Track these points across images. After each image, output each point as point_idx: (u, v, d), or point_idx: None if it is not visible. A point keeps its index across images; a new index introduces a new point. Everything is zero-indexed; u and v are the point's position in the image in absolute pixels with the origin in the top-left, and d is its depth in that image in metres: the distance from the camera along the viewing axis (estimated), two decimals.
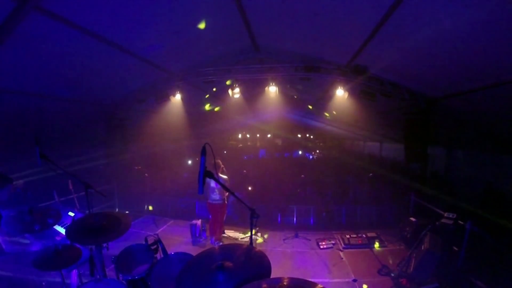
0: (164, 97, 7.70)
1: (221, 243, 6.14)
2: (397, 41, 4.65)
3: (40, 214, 3.07)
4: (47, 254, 2.77)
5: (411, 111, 6.83)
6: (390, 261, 5.53)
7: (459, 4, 3.33)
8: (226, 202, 6.46)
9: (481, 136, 6.70)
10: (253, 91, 8.64)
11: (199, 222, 6.71)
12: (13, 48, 3.95)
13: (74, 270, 3.23)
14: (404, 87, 6.60)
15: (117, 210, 8.48)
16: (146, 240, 3.61)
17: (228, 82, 7.59)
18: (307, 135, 22.58)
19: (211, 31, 5.35)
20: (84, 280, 3.14)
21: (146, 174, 10.09)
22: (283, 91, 8.21)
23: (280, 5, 4.55)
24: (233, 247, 2.24)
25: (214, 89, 8.25)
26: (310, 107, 11.42)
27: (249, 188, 8.64)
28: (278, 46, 6.63)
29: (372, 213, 7.88)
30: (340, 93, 7.05)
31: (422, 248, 4.89)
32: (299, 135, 21.94)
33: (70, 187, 5.93)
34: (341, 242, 6.47)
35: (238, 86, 7.64)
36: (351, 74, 6.65)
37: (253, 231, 2.55)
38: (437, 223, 5.25)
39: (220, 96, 9.45)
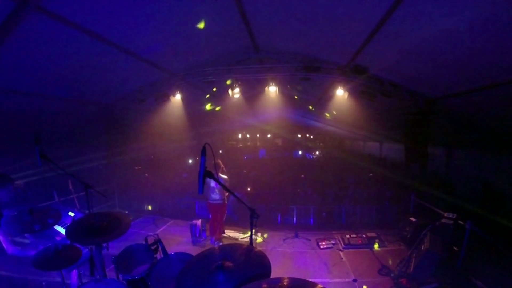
0: (164, 97, 7.70)
1: (221, 243, 6.14)
2: (397, 41, 4.65)
3: (40, 214, 3.07)
4: (47, 254, 2.77)
5: (411, 111, 6.83)
6: (390, 261, 5.53)
7: (459, 4, 3.34)
8: (226, 202, 6.46)
9: (481, 136, 6.69)
10: (253, 91, 8.65)
11: (199, 222, 6.71)
12: (13, 48, 3.95)
13: (74, 270, 3.22)
14: (404, 87, 6.60)
15: (117, 209, 8.48)
16: (146, 240, 3.61)
17: (228, 82, 7.59)
18: (307, 135, 22.58)
19: (211, 31, 5.35)
20: (84, 280, 3.13)
21: (146, 174, 10.09)
22: (283, 91, 8.21)
23: (280, 5, 4.55)
24: (233, 247, 2.24)
25: (214, 89, 8.26)
26: (310, 107, 11.42)
27: (248, 189, 8.63)
28: (278, 46, 6.64)
29: (372, 213, 7.88)
30: (340, 93, 7.05)
31: (422, 248, 4.89)
32: (299, 135, 21.94)
33: (70, 187, 5.93)
34: (341, 242, 6.47)
35: (238, 86, 7.64)
36: (351, 74, 6.65)
37: (254, 231, 2.55)
38: (437, 223, 5.25)
39: (220, 96, 9.45)
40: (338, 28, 4.85)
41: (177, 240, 6.67)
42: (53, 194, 6.06)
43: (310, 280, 1.61)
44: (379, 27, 4.28)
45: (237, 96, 7.84)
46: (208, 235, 6.68)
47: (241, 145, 22.03)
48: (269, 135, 22.74)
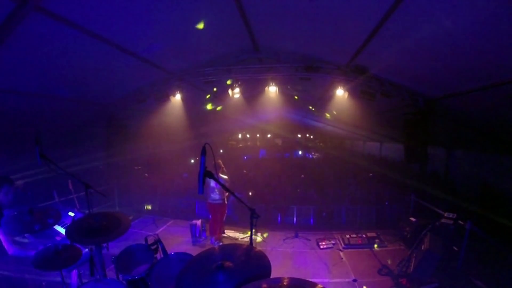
0: (164, 97, 7.70)
1: (221, 243, 6.14)
2: (397, 41, 4.65)
3: (40, 214, 3.07)
4: (47, 254, 2.77)
5: (411, 111, 6.82)
6: (390, 261, 5.53)
7: (459, 4, 3.34)
8: (226, 202, 6.46)
9: (481, 136, 6.69)
10: (253, 91, 8.64)
11: (199, 222, 6.71)
12: (13, 48, 3.95)
13: (74, 270, 3.22)
14: (404, 87, 6.60)
15: (117, 209, 8.48)
16: (146, 240, 3.61)
17: (228, 82, 7.59)
18: (307, 135, 22.57)
19: (211, 31, 5.35)
20: (84, 280, 3.13)
21: (146, 174, 10.09)
22: (283, 91, 8.21)
23: (280, 5, 4.55)
24: (233, 247, 2.24)
25: (215, 89, 8.26)
26: (310, 107, 11.42)
27: (250, 193, 8.60)
28: (278, 46, 6.63)
29: (372, 213, 7.88)
30: (340, 93, 7.05)
31: (422, 248, 4.89)
32: (299, 135, 21.93)
33: (70, 187, 5.93)
34: (341, 242, 6.47)
35: (238, 86, 7.64)
36: (351, 74, 6.65)
37: (254, 231, 2.55)
38: (437, 223, 5.26)
39: (220, 96, 9.45)
40: (338, 28, 4.85)
41: (177, 240, 6.67)
42: (53, 194, 6.06)
43: (310, 280, 1.61)
44: (379, 27, 4.28)
45: (237, 96, 7.84)
46: (208, 235, 6.68)
47: (241, 145, 22.02)
48: (269, 135, 22.74)
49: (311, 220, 7.90)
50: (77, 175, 3.19)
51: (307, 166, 13.16)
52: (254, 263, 1.99)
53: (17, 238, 3.49)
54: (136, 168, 10.24)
